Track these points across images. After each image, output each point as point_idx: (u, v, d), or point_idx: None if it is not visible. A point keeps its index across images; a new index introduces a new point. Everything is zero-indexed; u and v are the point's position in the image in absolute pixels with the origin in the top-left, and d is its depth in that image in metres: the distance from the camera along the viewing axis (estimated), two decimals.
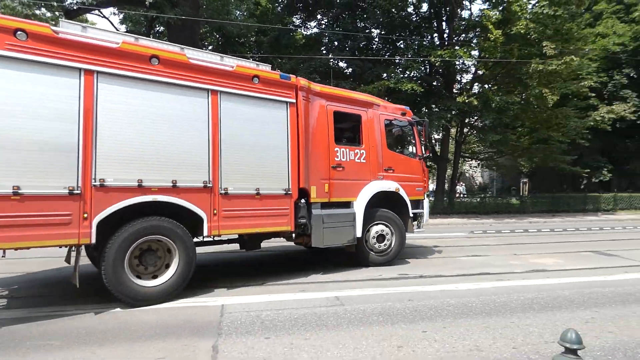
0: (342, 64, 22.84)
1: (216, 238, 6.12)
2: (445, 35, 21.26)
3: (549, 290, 5.97)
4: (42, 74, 4.37)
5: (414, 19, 21.80)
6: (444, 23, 21.48)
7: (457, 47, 18.66)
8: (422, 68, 20.96)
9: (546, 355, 3.70)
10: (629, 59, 23.30)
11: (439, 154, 22.73)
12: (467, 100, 17.58)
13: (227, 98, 5.68)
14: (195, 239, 5.65)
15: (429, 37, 21.52)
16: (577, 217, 20.94)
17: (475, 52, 19.50)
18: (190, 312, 4.86)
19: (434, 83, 21.03)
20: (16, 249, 4.47)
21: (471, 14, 21.55)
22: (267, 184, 6.03)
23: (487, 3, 19.18)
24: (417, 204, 8.22)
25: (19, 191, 4.17)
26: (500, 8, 17.38)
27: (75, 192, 4.49)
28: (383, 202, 7.60)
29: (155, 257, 5.22)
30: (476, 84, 21.78)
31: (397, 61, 21.21)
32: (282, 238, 6.99)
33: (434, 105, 20.18)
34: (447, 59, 17.47)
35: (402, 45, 21.40)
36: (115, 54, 4.84)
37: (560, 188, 30.26)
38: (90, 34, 4.90)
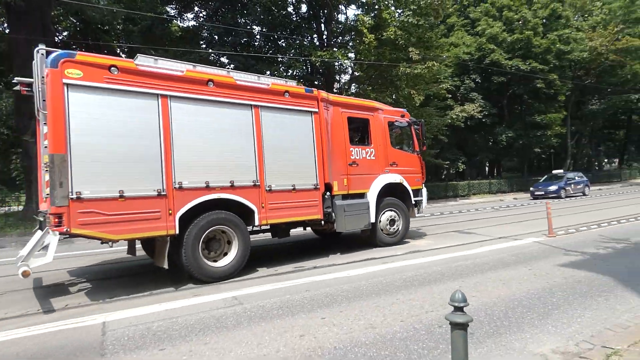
0: (224, 60, 22.24)
1: (263, 227, 7.50)
2: (324, 37, 22.34)
3: (425, 267, 6.81)
4: (130, 100, 5.47)
5: (294, 19, 22.37)
6: (322, 25, 22.55)
7: (335, 49, 19.83)
8: (305, 67, 21.70)
9: (427, 323, 4.24)
10: (475, 66, 27.77)
11: None
12: None
13: (266, 111, 6.90)
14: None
15: (309, 37, 22.37)
16: (441, 203, 24.19)
17: (352, 54, 20.94)
18: (63, 336, 4.21)
19: (316, 82, 21.96)
20: (125, 239, 5.65)
21: (347, 18, 23.09)
22: (300, 180, 7.27)
23: (361, 9, 20.78)
24: (417, 192, 9.63)
25: (123, 194, 5.32)
26: (373, 14, 18.97)
27: (162, 193, 5.66)
28: (390, 192, 8.94)
29: (218, 244, 6.44)
30: (354, 84, 23.43)
31: (279, 59, 21.53)
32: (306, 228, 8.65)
33: None
34: (326, 59, 18.40)
35: (283, 44, 21.79)
36: (181, 80, 5.99)
37: (426, 179, 34.73)
38: (160, 64, 5.94)
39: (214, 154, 6.23)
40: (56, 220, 4.87)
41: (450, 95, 26.61)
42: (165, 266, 5.84)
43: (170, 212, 5.69)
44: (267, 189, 6.79)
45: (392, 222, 8.93)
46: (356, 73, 19.01)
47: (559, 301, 4.82)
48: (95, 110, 5.19)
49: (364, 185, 8.41)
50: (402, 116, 9.58)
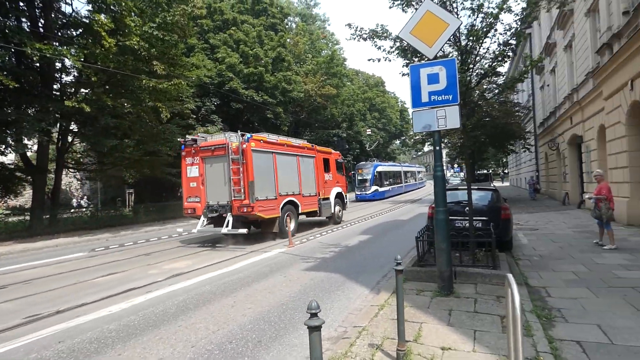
0: None
1: (300, 214, 14.52)
2: (39, 24, 18.46)
3: (194, 289, 6.86)
4: (263, 155, 12.59)
5: None
6: (37, 10, 18.61)
7: (56, 44, 16.76)
8: (9, 58, 17.21)
9: (218, 342, 4.42)
10: (215, 90, 29.46)
11: (35, 164, 19.46)
12: (77, 106, 16.21)
13: (301, 157, 14.73)
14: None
15: (15, 19, 17.94)
16: (185, 222, 24.08)
17: (83, 55, 18.16)
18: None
19: (31, 78, 17.84)
20: (267, 218, 12.47)
21: (74, 10, 19.96)
22: (311, 191, 15.13)
23: (92, 4, 18.44)
24: (344, 196, 18.16)
25: (267, 197, 12.56)
26: (112, 16, 17.25)
27: (275, 197, 12.85)
28: (337, 196, 17.20)
29: (289, 219, 13.61)
30: (83, 89, 20.40)
31: None
32: None
33: (27, 106, 17.13)
34: (48, 55, 15.34)
35: None
36: (279, 145, 13.64)
37: (161, 197, 33.52)
38: (271, 138, 13.56)
39: (288, 178, 13.75)
40: (250, 208, 11.70)
41: (194, 115, 27.13)
42: (277, 231, 12.88)
43: (278, 205, 12.93)
44: (302, 195, 14.51)
45: (339, 211, 17.39)
46: (91, 78, 16.61)
47: (314, 299, 5.98)
48: (257, 160, 12.18)
49: (328, 193, 16.57)
50: (340, 156, 18.54)
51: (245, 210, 11.81)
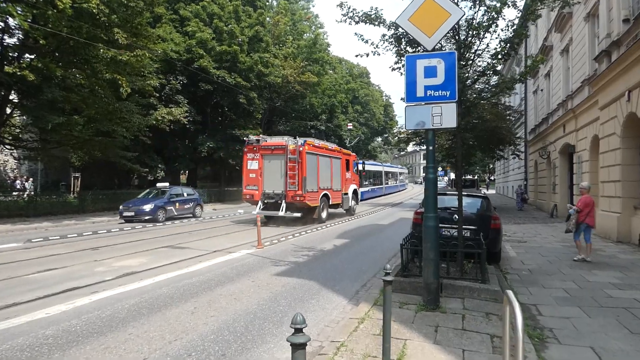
0: None
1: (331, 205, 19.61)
2: None
3: (149, 291, 6.59)
4: (311, 156, 17.58)
5: None
6: None
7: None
8: None
9: (175, 354, 4.22)
10: (182, 67, 28.65)
11: None
12: (20, 73, 15.38)
13: (333, 159, 20.12)
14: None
15: None
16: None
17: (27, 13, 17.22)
18: None
19: None
20: (313, 205, 17.43)
21: None
22: (337, 186, 20.31)
23: None
24: (358, 192, 24.68)
25: (313, 190, 17.46)
26: None
27: (316, 190, 17.91)
28: (353, 192, 22.66)
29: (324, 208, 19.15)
30: (28, 54, 19.38)
31: None
32: None
33: None
34: None
35: None
36: (320, 148, 18.80)
37: (113, 184, 32.39)
38: (316, 143, 18.77)
39: (325, 176, 18.53)
40: (302, 197, 16.46)
41: (157, 94, 26.32)
42: (316, 217, 17.83)
43: (319, 197, 17.77)
44: (332, 189, 19.27)
45: (354, 205, 22.64)
46: (39, 41, 15.69)
47: (285, 309, 5.85)
48: (309, 160, 17.06)
49: (347, 189, 21.51)
50: (356, 158, 24.37)
51: (298, 199, 16.51)
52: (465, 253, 6.91)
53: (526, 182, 29.68)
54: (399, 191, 53.96)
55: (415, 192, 54.36)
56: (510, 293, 2.60)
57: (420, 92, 5.63)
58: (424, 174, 5.76)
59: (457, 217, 7.16)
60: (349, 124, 49.34)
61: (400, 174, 59.78)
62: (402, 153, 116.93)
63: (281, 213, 16.61)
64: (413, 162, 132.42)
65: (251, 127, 33.83)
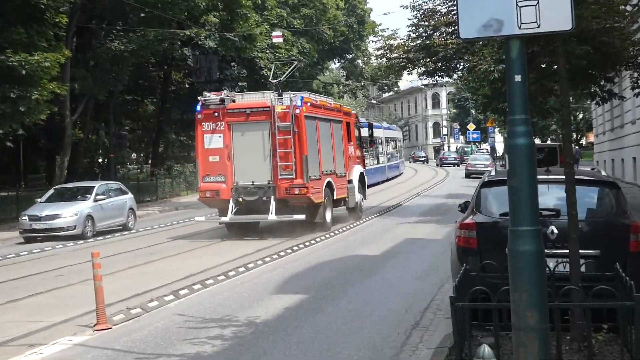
0: None
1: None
2: None
3: None
4: (310, 122, 11.48)
5: None
6: None
7: None
8: None
9: None
10: None
11: None
12: None
13: (334, 122, 13.61)
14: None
15: None
16: None
17: None
18: None
19: None
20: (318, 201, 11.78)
21: None
22: (341, 169, 13.40)
23: None
24: (365, 177, 16.23)
25: (314, 176, 11.61)
26: None
27: (319, 177, 11.71)
28: (359, 178, 14.75)
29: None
30: None
31: None
32: None
33: None
34: None
35: None
36: (319, 108, 12.35)
37: None
38: (313, 98, 12.61)
39: (326, 152, 12.83)
40: (305, 189, 10.78)
41: None
42: (320, 221, 11.79)
43: (322, 187, 11.96)
44: (336, 174, 13.22)
45: (362, 199, 15.10)
46: None
47: None
48: (309, 130, 11.75)
49: (351, 174, 14.34)
50: (356, 117, 16.45)
51: (297, 192, 10.71)
52: (594, 311, 3.35)
53: None
54: (395, 176, 33.97)
55: (421, 180, 31.98)
56: None
57: None
58: (505, 136, 2.78)
59: (555, 229, 3.86)
60: (274, 34, 26.58)
61: (398, 141, 37.78)
62: (384, 95, 66.79)
63: (271, 217, 10.95)
64: (409, 115, 75.87)
65: (44, 47, 15.76)
